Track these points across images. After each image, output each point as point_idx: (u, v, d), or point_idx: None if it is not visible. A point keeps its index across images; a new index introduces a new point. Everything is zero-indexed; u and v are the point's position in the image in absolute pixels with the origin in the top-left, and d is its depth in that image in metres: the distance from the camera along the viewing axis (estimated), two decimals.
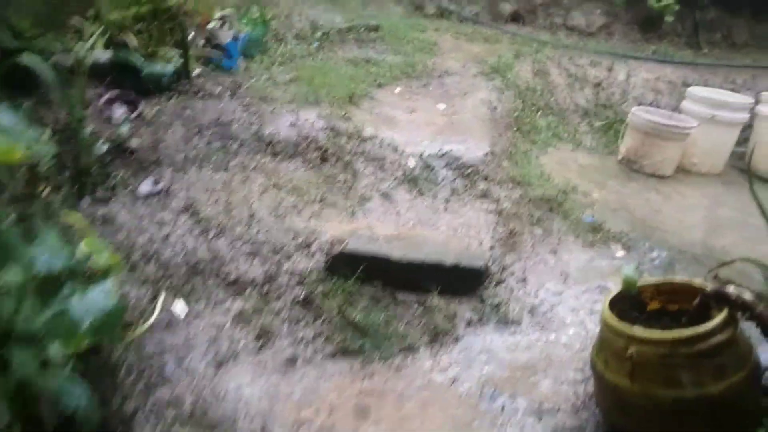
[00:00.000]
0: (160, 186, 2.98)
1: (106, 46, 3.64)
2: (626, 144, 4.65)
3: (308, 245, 2.84)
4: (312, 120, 3.80)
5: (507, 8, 7.55)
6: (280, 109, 3.88)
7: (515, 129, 4.69)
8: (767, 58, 7.01)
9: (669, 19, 7.17)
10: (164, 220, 2.79)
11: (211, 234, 2.78)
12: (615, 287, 2.07)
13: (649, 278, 2.10)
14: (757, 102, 4.89)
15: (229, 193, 3.06)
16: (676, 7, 7.13)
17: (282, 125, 3.69)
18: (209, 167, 3.21)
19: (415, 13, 7.39)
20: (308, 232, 2.91)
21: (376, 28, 6.05)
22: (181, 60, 3.85)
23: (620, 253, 3.19)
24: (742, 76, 6.06)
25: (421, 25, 6.72)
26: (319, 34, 5.45)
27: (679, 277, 2.32)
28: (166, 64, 3.73)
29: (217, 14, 4.46)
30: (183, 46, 3.87)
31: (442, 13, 7.40)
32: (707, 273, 2.74)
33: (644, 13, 7.33)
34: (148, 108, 3.49)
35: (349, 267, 2.69)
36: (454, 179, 3.63)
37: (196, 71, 4.04)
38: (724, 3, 7.47)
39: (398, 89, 4.82)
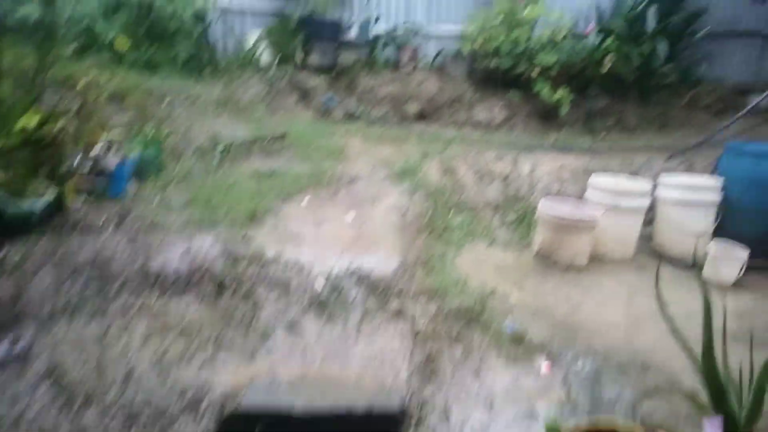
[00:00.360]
0: (18, 349, 2.54)
1: None
2: (539, 238, 4.62)
3: (197, 404, 2.45)
4: (207, 246, 3.50)
5: (413, 108, 7.75)
6: (171, 237, 3.56)
7: (428, 232, 4.57)
8: (658, 138, 7.49)
9: (564, 110, 7.59)
10: (18, 394, 2.34)
11: (77, 404, 2.34)
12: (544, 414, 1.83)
13: (571, 425, 1.88)
14: (656, 186, 5.05)
15: (104, 348, 2.65)
16: (570, 99, 7.59)
17: (172, 256, 3.36)
18: (82, 317, 2.80)
19: (323, 118, 7.42)
20: (198, 386, 2.53)
21: (282, 137, 5.94)
22: (57, 192, 3.50)
23: (545, 366, 2.99)
24: (639, 158, 6.34)
25: (330, 130, 6.71)
26: (220, 148, 5.24)
27: (604, 418, 2.12)
28: (37, 199, 3.36)
29: (103, 138, 4.17)
30: (58, 177, 3.54)
31: (351, 117, 7.48)
32: (636, 403, 2.59)
33: (541, 105, 7.73)
34: (12, 252, 3.07)
35: (246, 427, 2.32)
36: (366, 298, 3.39)
37: (77, 202, 3.69)
38: (611, 92, 8.04)
39: (305, 200, 4.63)
